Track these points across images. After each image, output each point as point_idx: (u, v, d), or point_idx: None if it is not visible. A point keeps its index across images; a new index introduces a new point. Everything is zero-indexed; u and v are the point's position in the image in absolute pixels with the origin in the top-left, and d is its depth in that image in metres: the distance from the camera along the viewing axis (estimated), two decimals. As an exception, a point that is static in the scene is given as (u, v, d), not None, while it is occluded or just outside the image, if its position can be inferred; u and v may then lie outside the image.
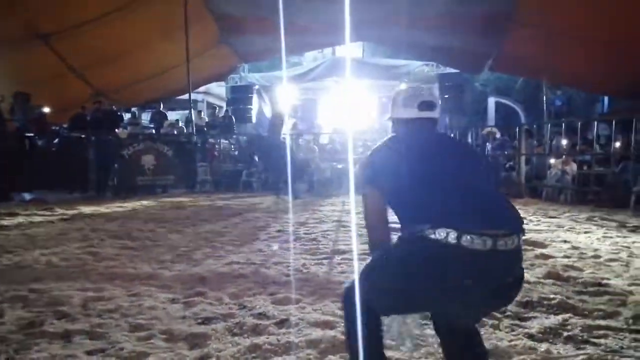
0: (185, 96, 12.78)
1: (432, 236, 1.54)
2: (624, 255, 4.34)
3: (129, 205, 8.38)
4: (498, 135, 11.73)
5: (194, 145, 11.89)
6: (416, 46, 13.11)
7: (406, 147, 1.82)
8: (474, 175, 1.77)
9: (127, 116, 14.09)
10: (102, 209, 7.76)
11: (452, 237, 1.51)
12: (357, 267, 3.83)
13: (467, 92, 16.21)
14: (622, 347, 2.33)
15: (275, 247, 4.66)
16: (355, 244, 4.79)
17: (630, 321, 2.67)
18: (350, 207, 7.97)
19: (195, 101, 15.69)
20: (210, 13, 11.80)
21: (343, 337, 2.40)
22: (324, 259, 4.26)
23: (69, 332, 2.51)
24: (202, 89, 16.52)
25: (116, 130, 11.16)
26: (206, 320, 2.69)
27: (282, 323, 2.64)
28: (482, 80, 18.69)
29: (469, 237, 1.50)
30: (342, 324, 2.58)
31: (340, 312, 2.80)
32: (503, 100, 17.42)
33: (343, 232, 5.72)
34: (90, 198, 9.38)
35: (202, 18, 11.53)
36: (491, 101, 17.47)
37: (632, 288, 3.28)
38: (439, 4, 10.67)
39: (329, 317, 2.72)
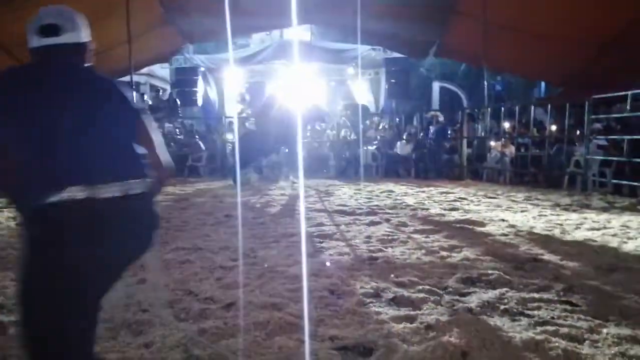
0: (127, 78, 12.31)
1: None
2: (557, 232, 4.60)
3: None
4: (441, 119, 12.05)
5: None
6: (363, 31, 13.19)
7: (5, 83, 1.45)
8: (76, 123, 1.44)
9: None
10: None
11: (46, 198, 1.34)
12: (304, 249, 3.87)
13: (412, 77, 16.51)
14: (553, 318, 2.47)
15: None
16: (304, 227, 4.83)
17: (561, 293, 2.84)
18: (300, 191, 8.00)
19: (138, 83, 15.13)
20: (152, -8, 11.36)
21: (290, 318, 2.43)
22: (272, 242, 4.26)
23: (4, 324, 2.39)
24: (144, 70, 15.91)
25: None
26: (151, 307, 2.64)
27: (229, 307, 2.63)
28: (428, 65, 19.10)
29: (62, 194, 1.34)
30: (291, 305, 2.61)
31: (288, 294, 2.82)
32: (447, 85, 17.85)
33: (291, 215, 5.74)
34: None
35: (144, -3, 11.08)
36: (436, 86, 17.86)
37: (563, 262, 3.49)
38: None
39: (277, 299, 2.73)
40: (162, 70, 17.62)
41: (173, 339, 2.23)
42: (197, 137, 12.54)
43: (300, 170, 9.59)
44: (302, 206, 5.80)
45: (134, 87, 12.16)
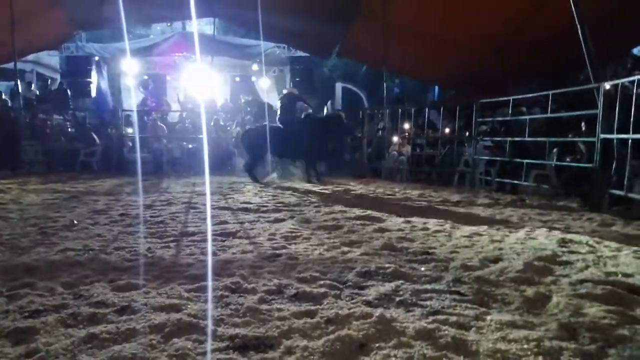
0: (10, 65, 11.17)
1: None
2: (447, 227, 4.92)
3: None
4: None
5: (21, 121, 10.51)
6: (267, 27, 13.17)
7: None
8: None
9: None
10: None
11: None
12: (210, 248, 3.78)
13: (316, 76, 16.79)
14: (443, 307, 2.64)
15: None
16: (209, 225, 4.71)
17: (451, 284, 3.03)
18: (202, 189, 7.78)
19: (23, 71, 13.83)
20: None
21: (189, 319, 2.36)
22: (171, 241, 4.10)
23: None
24: (30, 57, 14.58)
25: None
26: (34, 314, 2.42)
27: (123, 310, 2.49)
28: (330, 65, 19.50)
29: None
30: (189, 306, 2.53)
31: (187, 295, 2.73)
32: (349, 86, 18.37)
33: (193, 214, 5.58)
34: None
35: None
36: (338, 86, 18.31)
37: (453, 255, 3.74)
38: None
39: (175, 300, 2.63)
40: (51, 57, 16.27)
41: (59, 346, 2.06)
42: (90, 130, 11.74)
43: (206, 167, 9.34)
44: (208, 203, 5.66)
45: (17, 75, 11.09)
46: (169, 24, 16.51)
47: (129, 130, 11.74)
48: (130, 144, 11.20)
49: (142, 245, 3.89)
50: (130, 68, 15.29)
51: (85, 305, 2.56)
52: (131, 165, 10.29)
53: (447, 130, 10.85)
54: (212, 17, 15.53)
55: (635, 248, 3.94)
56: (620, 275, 3.16)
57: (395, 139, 10.65)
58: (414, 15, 10.26)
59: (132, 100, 15.04)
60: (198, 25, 15.41)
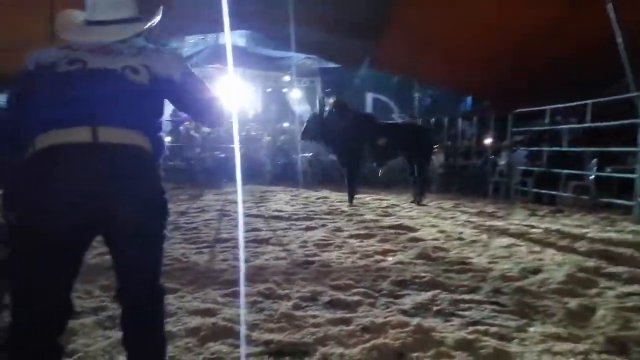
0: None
1: None
2: (484, 237, 4.80)
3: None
4: None
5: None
6: (298, 39, 13.27)
7: None
8: None
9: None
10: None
11: None
12: (242, 254, 3.79)
13: (347, 86, 16.77)
14: (483, 318, 2.56)
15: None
16: (242, 232, 4.73)
17: (490, 294, 2.94)
18: (234, 197, 7.84)
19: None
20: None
21: (224, 323, 2.34)
22: (205, 247, 4.13)
23: None
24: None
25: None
26: (74, 315, 2.45)
27: (159, 313, 2.50)
28: (361, 76, 19.46)
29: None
30: (224, 310, 2.52)
31: (222, 299, 2.73)
32: (379, 97, 18.28)
33: (226, 221, 5.61)
34: None
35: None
36: (369, 96, 18.24)
37: (491, 265, 3.64)
38: (318, 4, 10.91)
39: (210, 304, 2.63)
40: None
41: (97, 347, 2.08)
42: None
43: (238, 175, 9.40)
44: (240, 210, 5.69)
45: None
46: (202, 37, 16.81)
47: (167, 138, 11.99)
48: (167, 153, 11.41)
49: (177, 250, 3.93)
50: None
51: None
52: (165, 173, 10.47)
53: (481, 140, 10.67)
54: (245, 30, 15.79)
55: (685, 261, 3.76)
56: (670, 289, 3.01)
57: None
58: (445, 24, 10.17)
59: (166, 110, 15.39)
60: (231, 38, 15.63)
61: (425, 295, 2.88)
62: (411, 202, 7.53)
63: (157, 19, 1.72)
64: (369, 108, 18.02)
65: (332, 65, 15.72)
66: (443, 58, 11.21)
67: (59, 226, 1.40)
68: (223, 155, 11.51)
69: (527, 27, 9.00)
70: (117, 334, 2.20)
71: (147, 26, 1.68)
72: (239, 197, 5.55)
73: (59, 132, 1.42)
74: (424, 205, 7.30)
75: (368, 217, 6.06)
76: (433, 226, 5.36)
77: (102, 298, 2.75)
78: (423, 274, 3.30)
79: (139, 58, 1.57)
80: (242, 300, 2.64)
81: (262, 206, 6.89)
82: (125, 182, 1.45)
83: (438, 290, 2.97)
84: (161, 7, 1.74)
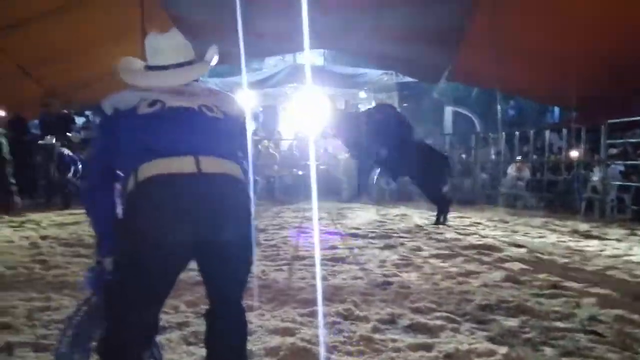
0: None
1: None
2: (577, 258, 4.47)
3: (82, 211, 8.04)
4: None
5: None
6: (375, 56, 13.27)
7: None
8: None
9: (81, 120, 13.54)
10: (53, 215, 7.40)
11: None
12: (319, 272, 3.79)
13: (425, 101, 16.51)
14: (578, 348, 2.36)
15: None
16: (319, 249, 4.75)
17: (586, 322, 2.72)
18: (312, 214, 7.92)
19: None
20: (167, 15, 11.54)
21: (303, 344, 2.34)
22: (284, 265, 4.18)
23: (11, 344, 2.34)
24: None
25: (68, 134, 10.69)
26: (160, 330, 2.56)
27: (240, 331, 2.54)
28: (440, 89, 19.07)
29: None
30: (303, 330, 2.52)
31: (300, 319, 2.73)
32: (459, 110, 17.81)
33: (304, 238, 5.66)
34: (40, 205, 8.94)
35: (158, 19, 11.23)
36: (448, 110, 17.83)
37: (586, 290, 3.36)
38: (395, 19, 10.85)
39: (289, 323, 2.64)
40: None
41: (181, 363, 2.15)
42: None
43: (314, 193, 9.49)
44: (317, 228, 5.73)
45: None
46: (281, 57, 17.30)
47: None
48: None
49: (258, 267, 4.00)
50: (247, 100, 16.25)
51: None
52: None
53: (571, 153, 10.03)
54: (321, 49, 16.07)
55: None
56: None
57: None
58: (527, 31, 9.73)
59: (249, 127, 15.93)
60: (308, 57, 15.96)
61: (513, 322, 2.71)
62: (433, 224, 6.85)
63: (215, 60, 1.87)
64: (448, 122, 17.64)
65: (409, 80, 15.56)
66: (524, 66, 10.73)
67: (170, 251, 1.48)
68: (301, 172, 11.69)
69: (617, 31, 8.40)
70: (201, 351, 2.27)
71: (208, 68, 1.86)
72: (315, 215, 5.58)
73: (164, 161, 1.51)
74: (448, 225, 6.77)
75: (449, 235, 5.86)
76: (520, 246, 5.07)
77: (187, 314, 2.84)
78: (510, 298, 3.11)
79: (210, 98, 1.70)
80: (321, 320, 2.62)
81: (339, 223, 6.89)
82: (228, 208, 1.54)
83: (527, 317, 2.79)
84: (217, 49, 1.89)
